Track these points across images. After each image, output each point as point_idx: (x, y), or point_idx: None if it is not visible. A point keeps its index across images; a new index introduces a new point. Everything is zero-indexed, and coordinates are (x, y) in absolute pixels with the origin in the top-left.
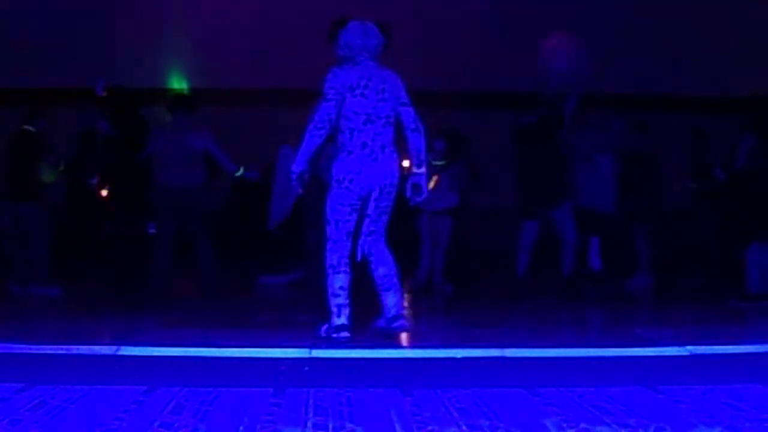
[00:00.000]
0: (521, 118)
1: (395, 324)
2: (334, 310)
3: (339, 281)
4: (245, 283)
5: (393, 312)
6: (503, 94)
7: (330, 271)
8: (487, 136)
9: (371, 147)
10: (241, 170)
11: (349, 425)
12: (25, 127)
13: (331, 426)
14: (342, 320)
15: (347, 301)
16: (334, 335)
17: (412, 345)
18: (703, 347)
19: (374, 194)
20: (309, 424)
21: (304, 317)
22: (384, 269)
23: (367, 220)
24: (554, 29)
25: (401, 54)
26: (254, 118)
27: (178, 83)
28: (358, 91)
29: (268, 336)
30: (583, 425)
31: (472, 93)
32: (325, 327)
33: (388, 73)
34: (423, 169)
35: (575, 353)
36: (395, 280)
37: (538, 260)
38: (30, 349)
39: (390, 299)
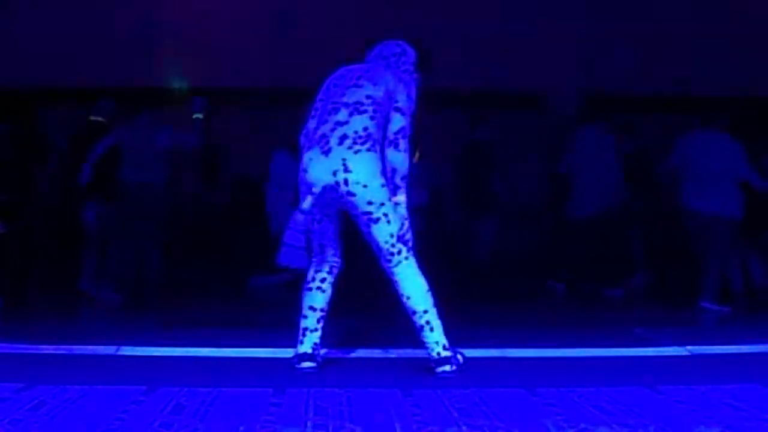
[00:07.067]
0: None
1: None
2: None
3: None
4: (238, 285)
5: None
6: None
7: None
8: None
9: None
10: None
11: (349, 425)
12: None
13: (331, 426)
14: None
15: None
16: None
17: (413, 345)
18: (703, 347)
19: None
20: (309, 424)
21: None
22: None
23: None
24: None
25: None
26: (255, 118)
27: (177, 83)
28: None
29: (268, 336)
30: (583, 425)
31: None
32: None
33: None
34: None
35: (575, 353)
36: None
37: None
38: (30, 349)
39: None
